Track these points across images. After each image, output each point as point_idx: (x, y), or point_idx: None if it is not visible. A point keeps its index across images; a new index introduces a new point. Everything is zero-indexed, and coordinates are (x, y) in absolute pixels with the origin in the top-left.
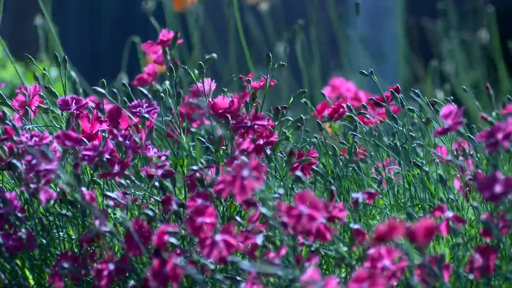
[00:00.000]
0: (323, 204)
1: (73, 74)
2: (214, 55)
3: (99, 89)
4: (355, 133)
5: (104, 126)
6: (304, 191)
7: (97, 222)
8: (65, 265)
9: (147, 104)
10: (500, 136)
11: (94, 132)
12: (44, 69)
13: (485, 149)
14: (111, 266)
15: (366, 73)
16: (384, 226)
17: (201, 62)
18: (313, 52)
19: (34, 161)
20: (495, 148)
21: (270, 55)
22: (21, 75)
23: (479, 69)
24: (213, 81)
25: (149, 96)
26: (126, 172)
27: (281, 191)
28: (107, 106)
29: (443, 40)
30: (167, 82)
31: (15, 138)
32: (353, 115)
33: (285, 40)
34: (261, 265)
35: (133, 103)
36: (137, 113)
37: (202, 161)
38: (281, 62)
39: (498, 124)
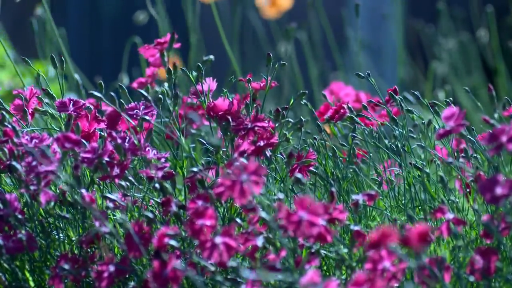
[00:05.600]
0: (323, 209)
1: (76, 76)
2: (211, 56)
3: (96, 93)
4: (355, 135)
5: (102, 125)
6: (303, 196)
7: (97, 224)
8: (65, 266)
9: (143, 106)
10: (504, 139)
11: (91, 130)
12: (43, 70)
13: (489, 151)
14: (111, 268)
15: (363, 75)
16: (377, 232)
17: (199, 64)
18: (314, 53)
19: (34, 163)
20: (498, 150)
21: (271, 55)
22: (22, 75)
23: (477, 71)
24: (215, 80)
25: (149, 98)
26: (125, 174)
27: (281, 195)
28: (106, 108)
29: (442, 41)
30: (166, 84)
31: (15, 140)
32: (353, 116)
33: (287, 42)
34: (261, 272)
35: (130, 105)
36: (134, 115)
37: (202, 162)
38: (282, 62)
39: (502, 127)
